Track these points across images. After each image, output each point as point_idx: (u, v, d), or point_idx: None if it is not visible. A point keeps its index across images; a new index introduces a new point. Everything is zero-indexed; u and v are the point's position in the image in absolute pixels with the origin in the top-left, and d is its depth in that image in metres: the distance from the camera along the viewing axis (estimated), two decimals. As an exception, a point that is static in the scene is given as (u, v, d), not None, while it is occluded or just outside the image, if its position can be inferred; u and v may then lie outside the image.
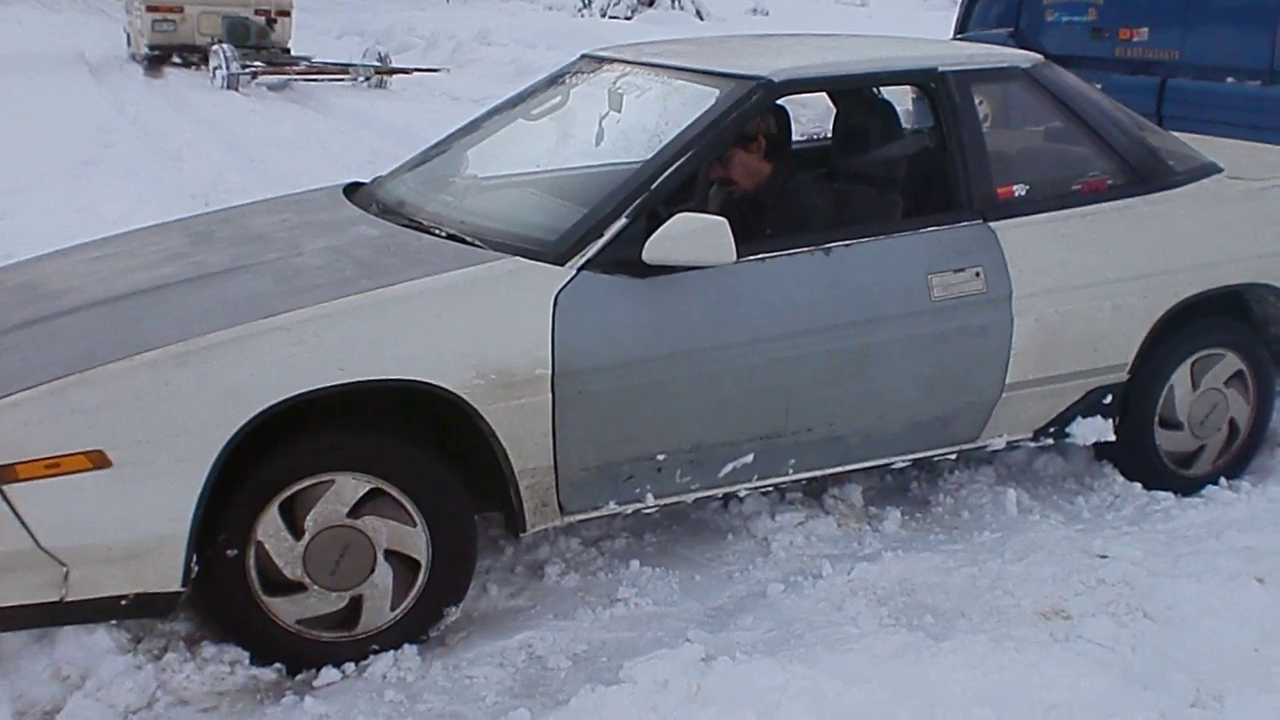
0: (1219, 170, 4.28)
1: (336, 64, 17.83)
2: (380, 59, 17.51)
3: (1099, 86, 8.94)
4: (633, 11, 29.01)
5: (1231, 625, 3.24)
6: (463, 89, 15.93)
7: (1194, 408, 4.21)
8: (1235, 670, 3.05)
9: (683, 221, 3.31)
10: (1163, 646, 3.14)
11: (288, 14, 19.79)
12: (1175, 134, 4.60)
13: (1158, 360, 4.09)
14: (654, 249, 3.30)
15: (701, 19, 28.63)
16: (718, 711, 2.66)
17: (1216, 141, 4.97)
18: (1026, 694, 2.81)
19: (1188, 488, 4.22)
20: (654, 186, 3.42)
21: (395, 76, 17.25)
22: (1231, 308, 4.31)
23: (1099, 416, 4.06)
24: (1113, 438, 4.10)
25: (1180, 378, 4.16)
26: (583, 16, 28.72)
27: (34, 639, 3.09)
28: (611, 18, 28.28)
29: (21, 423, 2.82)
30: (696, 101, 3.66)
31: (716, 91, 3.68)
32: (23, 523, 2.81)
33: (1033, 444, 4.05)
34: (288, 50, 19.16)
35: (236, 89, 16.40)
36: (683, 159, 3.48)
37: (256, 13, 19.26)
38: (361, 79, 17.00)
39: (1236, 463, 4.35)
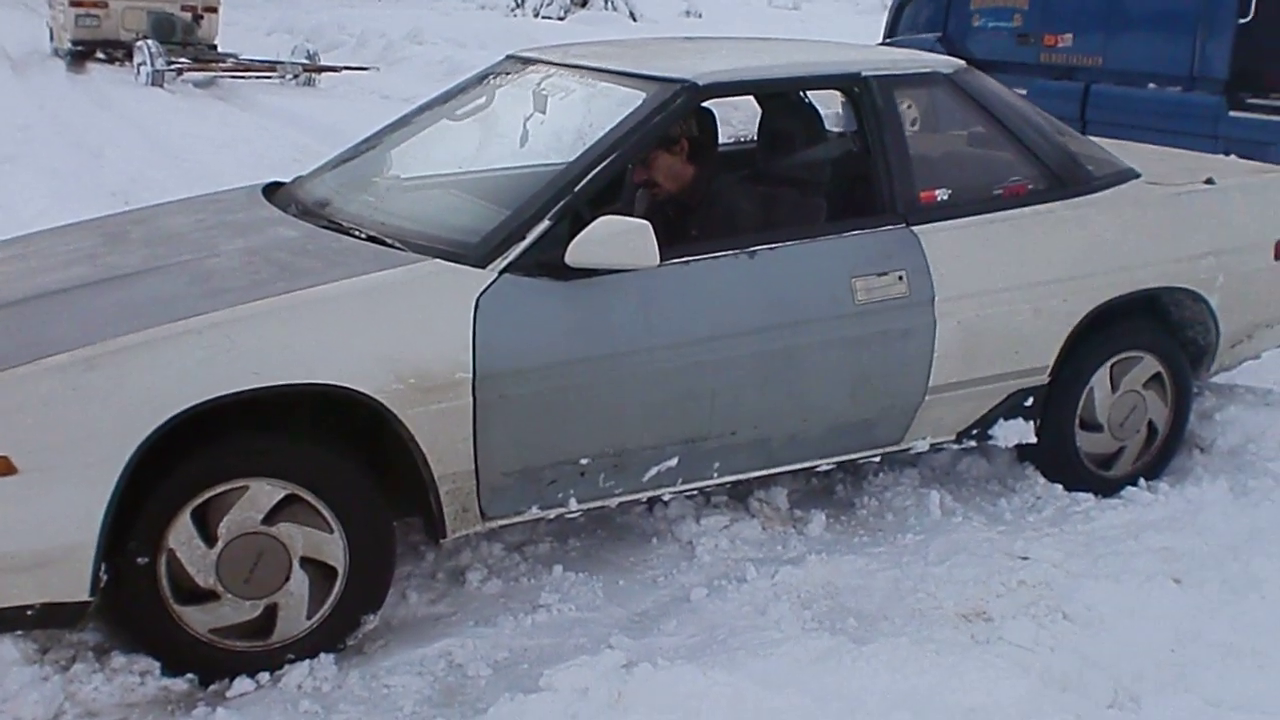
0: (1137, 176, 4.33)
1: (264, 61, 17.61)
2: (309, 56, 17.33)
3: (1024, 92, 9.08)
4: (565, 12, 28.93)
5: (1149, 626, 3.28)
6: (392, 87, 15.79)
7: (1113, 410, 4.26)
8: (1152, 671, 3.09)
9: (606, 224, 3.28)
10: (1081, 647, 3.17)
11: (215, 10, 19.47)
12: (1095, 139, 4.64)
13: (1078, 363, 4.12)
14: (577, 252, 3.27)
15: (635, 20, 28.62)
16: (638, 719, 2.63)
17: (1134, 147, 5.04)
18: (946, 697, 2.82)
19: (1108, 489, 4.26)
20: (577, 189, 3.40)
21: (324, 75, 17.06)
22: (1150, 311, 4.36)
23: (1020, 419, 4.09)
24: (1034, 440, 4.13)
25: (1100, 380, 4.21)
26: (515, 16, 28.59)
27: (-64, 651, 2.99)
28: (544, 18, 28.18)
29: (-78, 430, 2.74)
30: (621, 103, 3.64)
31: (641, 94, 3.66)
32: (-76, 532, 2.72)
33: (956, 446, 4.07)
34: (214, 47, 18.90)
35: (161, 86, 16.13)
36: (606, 161, 3.46)
37: (183, 8, 18.96)
38: (290, 76, 16.80)
39: (1155, 464, 4.40)
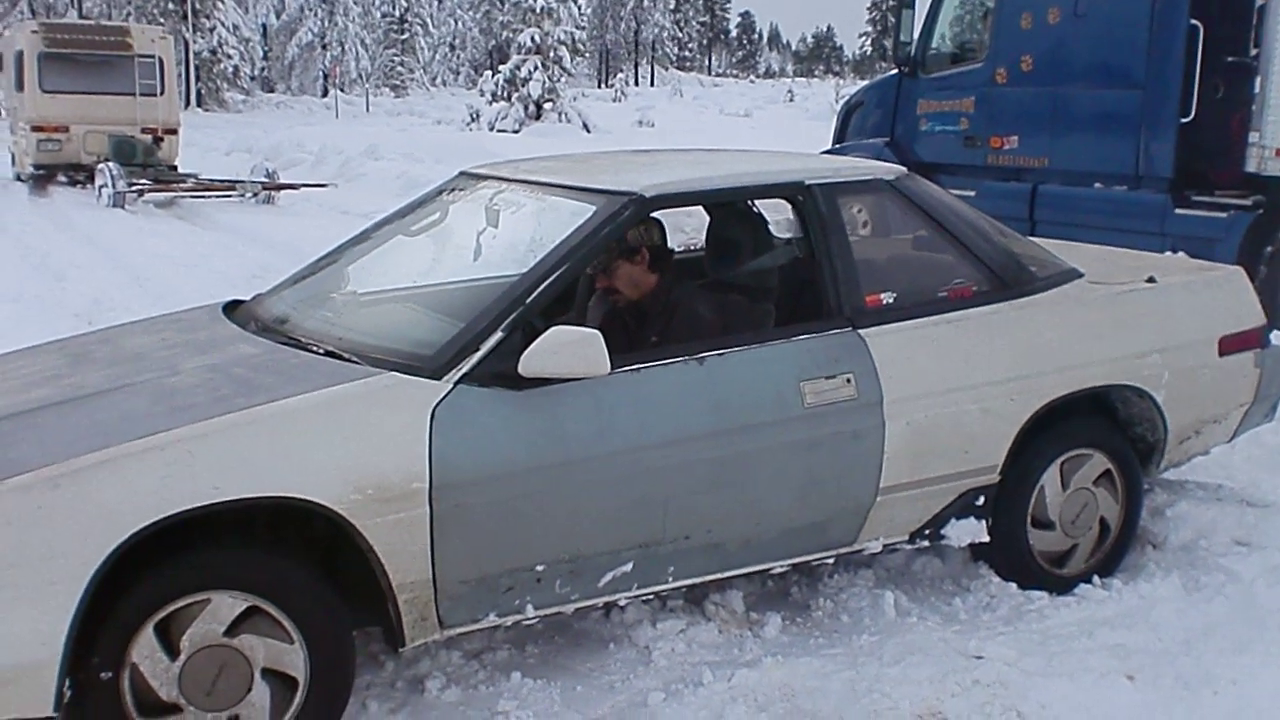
0: (1079, 275, 4.46)
1: (224, 180, 17.83)
2: (268, 174, 17.55)
3: (973, 194, 9.31)
4: (520, 125, 29.41)
5: (1104, 725, 3.32)
6: (351, 203, 16.00)
7: (1065, 507, 4.32)
8: (1106, 768, 3.12)
9: (557, 335, 3.37)
10: (1037, 746, 3.21)
11: (175, 132, 19.80)
12: (1036, 240, 4.76)
13: (1027, 461, 4.20)
14: (529, 362, 3.35)
15: (588, 131, 29.13)
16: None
17: (1077, 247, 5.20)
18: (901, 796, 2.84)
19: (1062, 586, 4.30)
20: (529, 300, 3.49)
21: (283, 192, 17.28)
22: (1098, 409, 4.45)
23: (972, 518, 4.16)
24: (987, 538, 4.19)
25: (1050, 478, 4.28)
26: (470, 130, 29.05)
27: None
28: (500, 131, 28.64)
29: (-117, 550, 2.76)
30: (571, 216, 3.75)
31: (591, 207, 3.77)
32: (-116, 651, 2.73)
33: (909, 546, 4.13)
34: (175, 168, 19.13)
35: (123, 207, 16.28)
36: (557, 273, 3.56)
37: (143, 131, 19.22)
38: (249, 195, 16.99)
39: (1109, 561, 4.46)
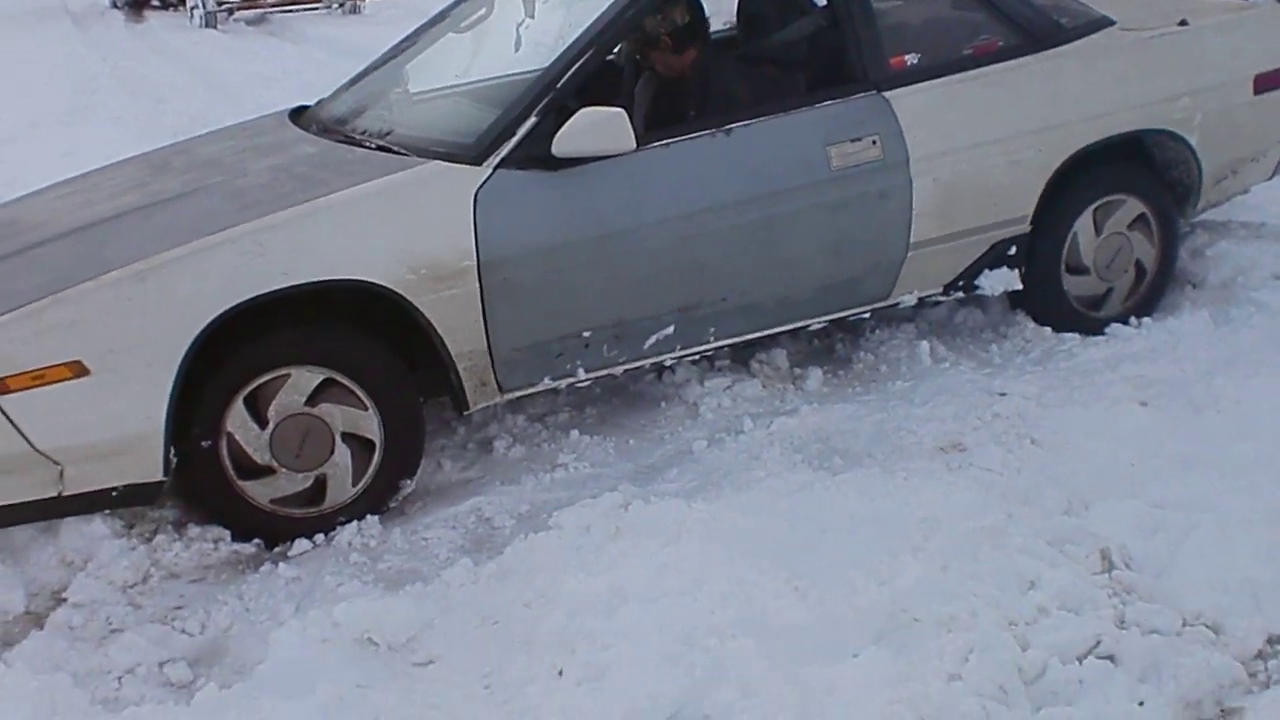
0: (1111, 23, 4.51)
1: (310, -8, 18.01)
2: (354, -17, 17.67)
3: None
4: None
5: (1112, 445, 3.56)
6: (437, 6, 16.03)
7: (1099, 252, 4.48)
8: (1108, 483, 3.36)
9: (585, 116, 3.60)
10: (1045, 467, 3.48)
11: (261, -52, 19.83)
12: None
13: (1059, 209, 4.35)
14: (561, 143, 3.60)
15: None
16: (628, 546, 3.02)
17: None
18: (907, 513, 3.15)
19: (1097, 328, 4.48)
20: (559, 85, 3.72)
21: (369, 1, 17.38)
22: (1131, 155, 4.55)
23: (1005, 267, 4.35)
24: (1020, 286, 4.39)
25: (1083, 225, 4.43)
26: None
27: (40, 531, 3.46)
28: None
29: (7, 341, 3.17)
30: (597, 1, 3.92)
31: (618, -11, 3.94)
32: (18, 429, 3.17)
33: (944, 298, 4.34)
34: (263, -16, 19.27)
35: (215, 27, 16.61)
36: (585, 58, 3.76)
37: (231, -51, 19.32)
38: (335, 6, 17.16)
39: (1145, 302, 4.62)
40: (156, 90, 11.67)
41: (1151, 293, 4.64)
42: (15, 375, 3.16)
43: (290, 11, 17.43)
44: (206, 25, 16.59)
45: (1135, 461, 3.49)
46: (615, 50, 4.10)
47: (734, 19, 4.81)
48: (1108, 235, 4.48)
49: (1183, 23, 4.59)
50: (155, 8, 19.94)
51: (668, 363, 4.03)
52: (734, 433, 3.90)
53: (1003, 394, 3.93)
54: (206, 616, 3.17)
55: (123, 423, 3.26)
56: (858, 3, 4.11)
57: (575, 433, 3.98)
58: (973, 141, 4.15)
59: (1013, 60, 4.27)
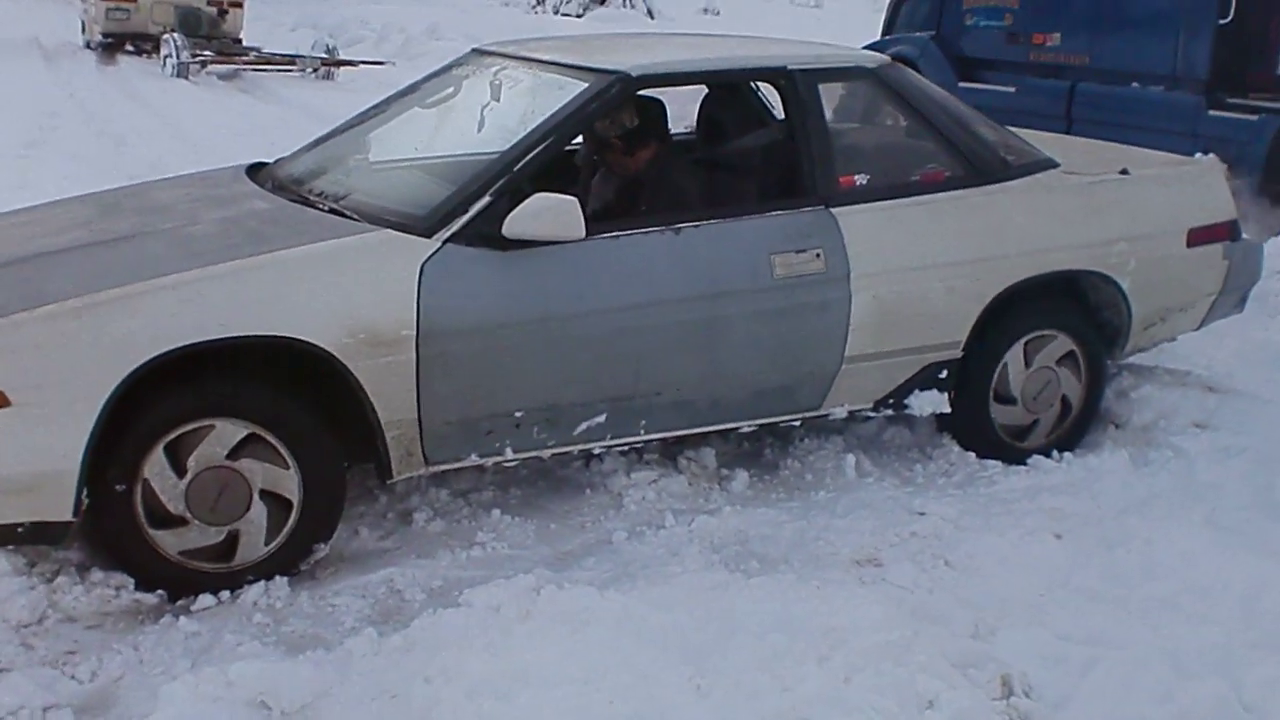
0: (1055, 165, 4.66)
1: (284, 55, 18.16)
2: (328, 50, 17.87)
3: (1013, 89, 9.42)
4: (584, 9, 29.33)
5: (1023, 574, 3.62)
6: (407, 81, 16.17)
7: (1027, 384, 4.57)
8: (1016, 610, 3.41)
9: (539, 200, 3.66)
10: (956, 589, 3.53)
11: (240, 5, 20.13)
12: (1016, 131, 4.93)
13: (991, 339, 4.45)
14: (513, 224, 3.65)
15: (652, 18, 28.97)
16: (536, 629, 3.01)
17: (1064, 140, 5.38)
18: (817, 621, 3.16)
19: (1021, 458, 4.56)
20: (516, 169, 3.78)
21: (343, 69, 17.55)
22: (1067, 293, 4.68)
23: (935, 389, 4.43)
24: (948, 409, 4.47)
25: (1013, 356, 4.53)
26: (536, 13, 29.04)
27: (-64, 561, 3.40)
28: (564, 15, 28.60)
29: (-68, 363, 3.14)
30: (562, 93, 4.01)
31: (582, 84, 4.03)
32: (-71, 454, 3.13)
33: (873, 413, 4.42)
34: (239, 41, 19.49)
35: (186, 77, 16.66)
36: (544, 144, 3.84)
37: (209, 3, 19.55)
38: (309, 70, 17.30)
39: (1069, 437, 4.71)
40: (119, 132, 11.65)
41: (1075, 428, 4.74)
42: (-65, 398, 3.12)
43: (264, 71, 17.52)
44: (178, 75, 16.63)
45: (1044, 591, 3.55)
46: (574, 141, 4.17)
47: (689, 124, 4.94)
48: (1037, 368, 4.59)
49: (1124, 171, 4.74)
50: (129, 52, 19.99)
51: (596, 451, 4.05)
52: (655, 527, 3.92)
53: (922, 513, 3.99)
54: (99, 664, 3.12)
55: (38, 458, 3.23)
56: (813, 119, 4.21)
57: (497, 512, 3.98)
58: (913, 264, 4.24)
59: (958, 190, 4.39)
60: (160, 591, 3.47)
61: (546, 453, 3.91)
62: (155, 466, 3.40)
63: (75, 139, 11.15)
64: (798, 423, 4.34)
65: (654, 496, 4.15)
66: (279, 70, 17.50)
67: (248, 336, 3.41)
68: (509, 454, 3.84)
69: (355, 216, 3.77)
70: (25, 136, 11.06)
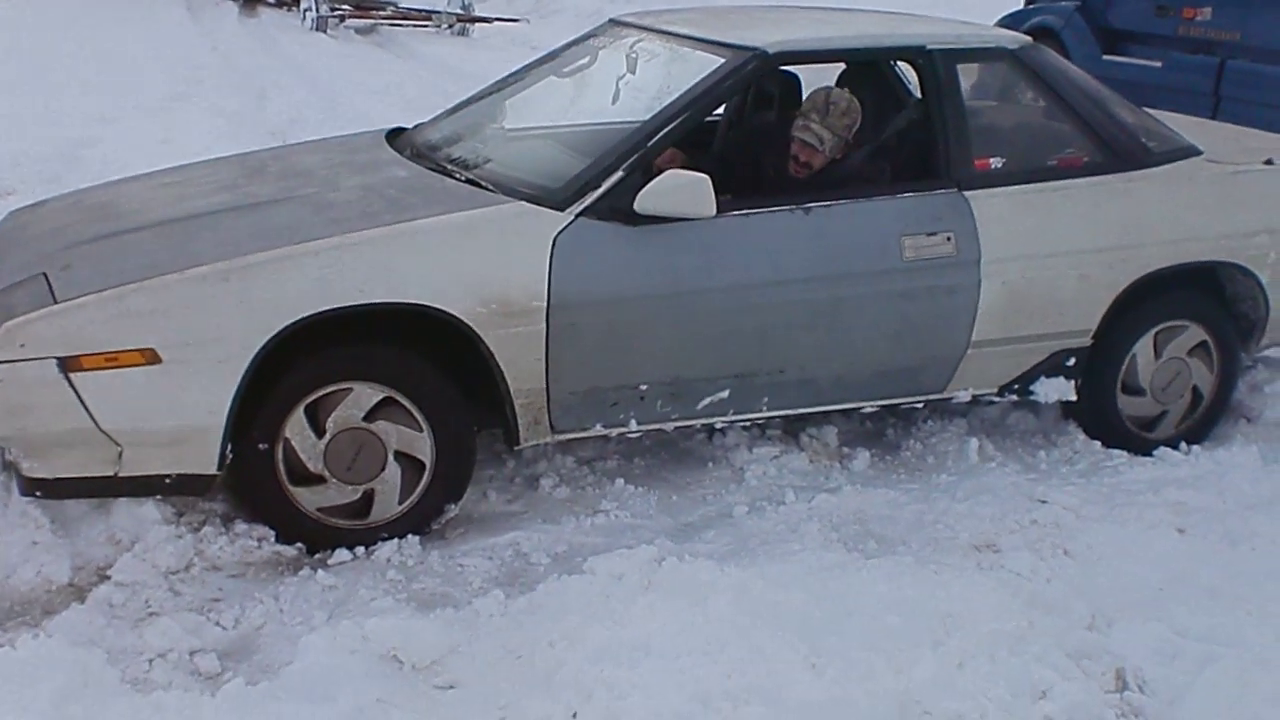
0: (1198, 153, 4.56)
1: (421, 10, 18.34)
2: (464, 6, 17.99)
3: (1159, 64, 9.15)
4: (720, -30, 29.11)
5: (1143, 567, 3.60)
6: (541, 38, 16.27)
7: (1156, 375, 4.52)
8: (1134, 604, 3.39)
9: (671, 177, 3.71)
10: (1074, 580, 3.51)
11: (380, -41, 20.27)
12: (1155, 114, 4.83)
13: (1121, 328, 4.40)
14: (644, 200, 3.70)
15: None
16: (657, 600, 3.09)
17: (1209, 125, 5.24)
18: (932, 605, 3.19)
19: (1146, 449, 4.52)
20: (650, 144, 3.83)
21: (477, 25, 17.71)
22: (1199, 283, 4.59)
23: (1062, 377, 4.40)
24: (1074, 398, 4.43)
25: (1143, 346, 4.47)
26: (671, -28, 28.87)
27: (92, 508, 3.60)
28: (699, -25, 28.41)
29: (87, 321, 3.32)
30: (698, 68, 4.04)
31: (719, 60, 4.05)
32: (85, 406, 3.31)
33: (998, 398, 4.39)
34: (377, -6, 19.69)
35: (325, 31, 16.95)
36: (679, 120, 3.88)
37: (349, -44, 19.77)
38: (445, 26, 17.49)
39: (1198, 429, 4.65)
40: (260, 86, 11.92)
41: (1205, 421, 4.67)
42: (90, 355, 3.31)
43: (400, 26, 17.79)
44: (317, 28, 16.93)
45: (1164, 586, 3.52)
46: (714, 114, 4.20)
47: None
48: (1167, 359, 4.52)
49: (1268, 162, 4.63)
50: (269, 4, 20.38)
51: (719, 425, 4.11)
52: (775, 503, 3.96)
53: (1044, 501, 3.97)
54: (241, 612, 3.28)
55: (186, 413, 3.38)
56: (950, 100, 4.19)
57: (620, 481, 4.07)
58: (1046, 251, 4.21)
59: (1096, 176, 4.33)
60: (299, 545, 3.63)
61: (670, 425, 3.98)
62: (296, 426, 3.55)
63: (218, 92, 11.45)
64: (921, 404, 4.34)
65: (775, 472, 4.19)
66: (415, 25, 17.73)
67: (385, 303, 3.52)
68: (633, 425, 3.91)
69: (491, 187, 3.86)
70: (170, 89, 11.41)
